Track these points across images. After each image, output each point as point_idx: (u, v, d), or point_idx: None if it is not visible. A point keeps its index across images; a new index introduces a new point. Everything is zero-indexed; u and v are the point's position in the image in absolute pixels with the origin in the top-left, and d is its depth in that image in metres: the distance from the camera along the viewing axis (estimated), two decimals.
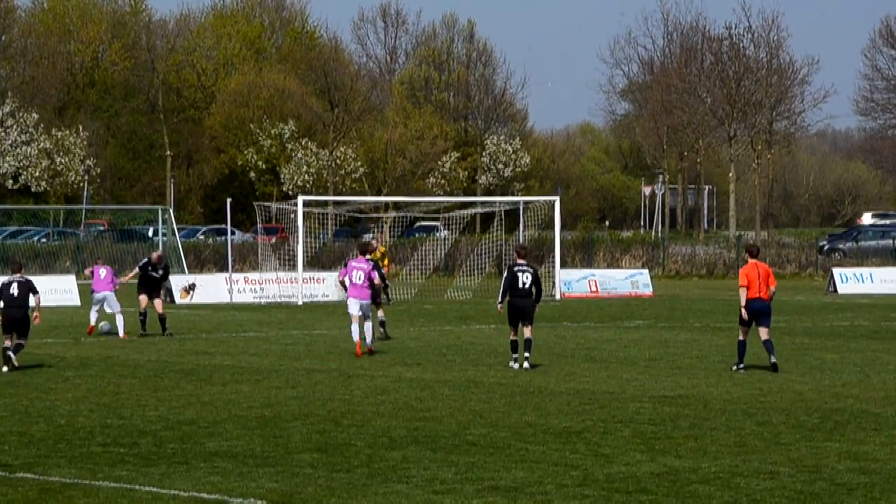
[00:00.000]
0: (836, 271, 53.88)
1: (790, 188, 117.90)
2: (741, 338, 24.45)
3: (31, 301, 24.95)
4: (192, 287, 44.84)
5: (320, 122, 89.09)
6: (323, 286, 46.16)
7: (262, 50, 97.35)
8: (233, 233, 60.07)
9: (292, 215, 46.41)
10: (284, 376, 22.88)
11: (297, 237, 45.08)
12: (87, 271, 33.92)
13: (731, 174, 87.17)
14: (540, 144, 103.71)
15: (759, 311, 24.23)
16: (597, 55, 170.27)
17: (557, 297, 46.86)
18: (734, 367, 24.42)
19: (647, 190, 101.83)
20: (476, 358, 26.09)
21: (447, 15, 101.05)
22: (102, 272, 31.75)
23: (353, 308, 27.09)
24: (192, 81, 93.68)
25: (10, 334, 24.58)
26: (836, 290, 52.06)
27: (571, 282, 48.70)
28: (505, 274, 24.85)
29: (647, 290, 49.95)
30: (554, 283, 47.55)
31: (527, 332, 24.51)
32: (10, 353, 24.15)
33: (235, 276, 45.03)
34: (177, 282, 45.00)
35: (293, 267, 45.38)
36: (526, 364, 24.36)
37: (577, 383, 22.03)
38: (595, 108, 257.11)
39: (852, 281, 52.89)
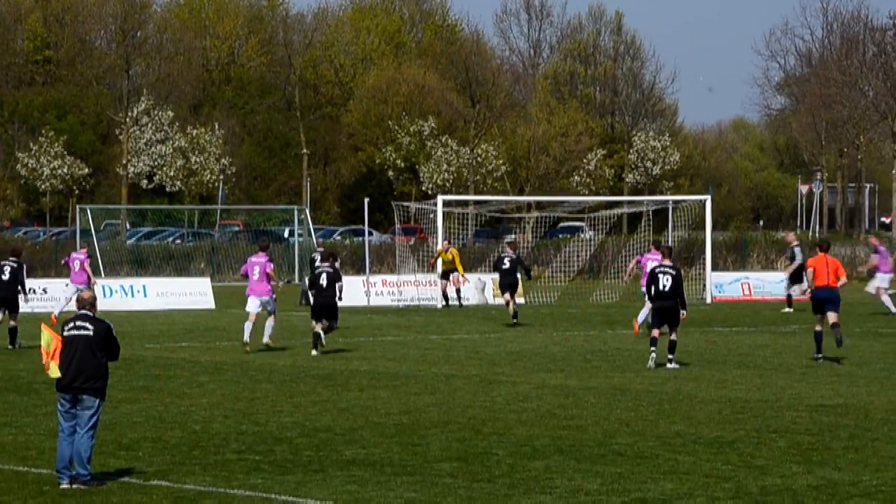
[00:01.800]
0: None
1: None
2: (817, 328, 26.25)
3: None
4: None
5: (461, 119, 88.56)
6: (463, 289, 44.98)
7: (401, 44, 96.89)
8: (370, 233, 59.66)
9: (431, 215, 45.92)
10: (423, 382, 22.92)
11: (437, 238, 43.85)
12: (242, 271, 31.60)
13: (894, 171, 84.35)
14: (690, 141, 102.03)
15: (827, 299, 26.19)
16: (751, 47, 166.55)
17: (708, 300, 45.47)
18: (815, 358, 25.96)
19: (804, 188, 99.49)
20: (622, 364, 25.81)
21: (594, 6, 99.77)
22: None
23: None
24: (330, 77, 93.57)
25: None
26: None
27: (723, 285, 46.76)
28: (647, 276, 25.58)
29: (805, 295, 47.49)
30: (705, 285, 46.41)
31: (672, 334, 25.08)
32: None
33: (373, 278, 44.56)
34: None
35: (432, 269, 44.09)
36: (672, 364, 24.88)
37: (729, 391, 21.69)
38: (749, 102, 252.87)
39: None
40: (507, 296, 36.22)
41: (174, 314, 39.46)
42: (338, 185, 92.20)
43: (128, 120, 79.75)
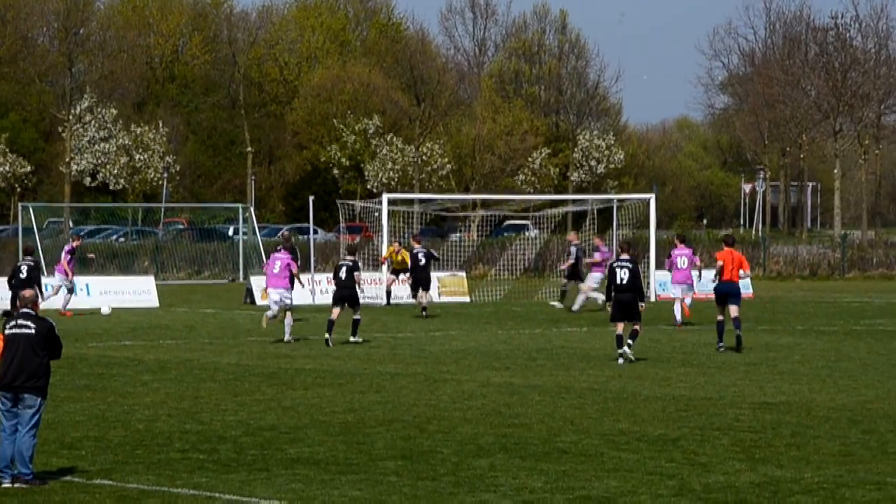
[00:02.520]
0: None
1: None
2: (719, 318, 27.62)
3: None
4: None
5: (406, 118, 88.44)
6: (407, 287, 44.90)
7: (346, 43, 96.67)
8: (315, 231, 59.40)
9: (376, 214, 45.84)
10: (368, 380, 22.84)
11: (382, 236, 43.74)
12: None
13: (836, 170, 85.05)
14: (634, 140, 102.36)
15: (729, 292, 27.60)
16: (695, 46, 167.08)
17: (653, 298, 45.28)
18: (717, 348, 27.45)
19: (747, 187, 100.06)
20: (567, 362, 25.80)
21: (538, 5, 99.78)
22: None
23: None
24: (275, 75, 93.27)
25: None
26: None
27: (667, 283, 46.54)
28: (607, 271, 25.92)
29: (747, 292, 47.91)
30: (649, 284, 46.31)
31: (620, 327, 25.49)
32: None
33: (318, 276, 43.99)
34: (258, 282, 44.35)
35: (377, 267, 43.95)
36: (628, 351, 25.33)
37: (673, 389, 21.76)
38: (693, 101, 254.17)
39: None
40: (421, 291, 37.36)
41: (118, 313, 39.22)
42: (282, 184, 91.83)
43: (71, 117, 79.20)
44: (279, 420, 18.28)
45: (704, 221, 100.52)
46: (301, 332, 32.45)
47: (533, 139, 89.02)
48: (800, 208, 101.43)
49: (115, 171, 79.93)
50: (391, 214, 46.07)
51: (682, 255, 35.37)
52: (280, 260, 30.39)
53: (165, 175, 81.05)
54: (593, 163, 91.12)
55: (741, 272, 27.91)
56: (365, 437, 16.89)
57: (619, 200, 50.81)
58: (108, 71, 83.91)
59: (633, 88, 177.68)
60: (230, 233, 67.43)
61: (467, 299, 45.09)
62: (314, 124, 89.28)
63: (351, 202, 52.20)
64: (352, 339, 29.66)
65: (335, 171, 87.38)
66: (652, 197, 48.55)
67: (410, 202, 58.14)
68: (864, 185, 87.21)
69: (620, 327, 25.45)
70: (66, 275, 38.41)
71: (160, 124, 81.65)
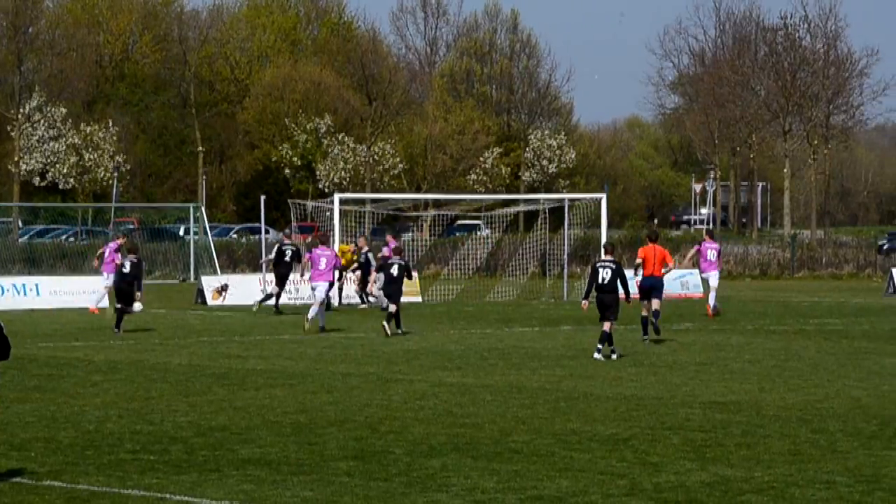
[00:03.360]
0: None
1: (848, 185, 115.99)
2: (643, 313, 29.02)
3: None
4: (224, 288, 44.17)
5: (358, 117, 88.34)
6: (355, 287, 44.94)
7: (297, 42, 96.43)
8: (267, 231, 59.22)
9: (328, 213, 45.44)
10: (320, 381, 22.73)
11: (334, 236, 43.68)
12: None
13: (785, 170, 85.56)
14: (586, 139, 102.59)
15: (652, 286, 29.19)
16: (645, 46, 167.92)
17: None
18: (642, 339, 28.88)
19: (697, 187, 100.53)
20: (519, 362, 25.77)
21: (489, 5, 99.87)
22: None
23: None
24: (226, 74, 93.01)
25: None
26: (895, 292, 50.17)
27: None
28: (589, 270, 26.82)
29: (698, 292, 48.58)
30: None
31: (606, 325, 25.97)
32: None
33: (270, 276, 43.74)
34: (209, 282, 44.36)
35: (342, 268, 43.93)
36: (613, 356, 25.86)
37: (625, 388, 21.79)
38: (643, 101, 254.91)
39: None
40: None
41: (68, 313, 38.98)
42: (234, 183, 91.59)
43: (20, 116, 78.66)
44: (230, 421, 18.21)
45: (655, 221, 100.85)
46: (256, 332, 32.35)
47: (484, 139, 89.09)
48: (750, 208, 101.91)
49: (65, 171, 79.39)
50: (343, 214, 46.00)
51: (711, 248, 39.12)
52: (326, 257, 33.25)
53: (115, 174, 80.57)
54: (545, 162, 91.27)
55: (665, 266, 29.55)
56: (317, 437, 16.84)
57: (571, 200, 50.89)
58: (57, 70, 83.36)
59: (585, 88, 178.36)
60: (181, 233, 67.17)
61: (419, 299, 45.07)
62: (265, 123, 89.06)
63: (302, 202, 52.04)
64: (398, 330, 31.78)
65: (286, 171, 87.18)
66: (603, 196, 48.69)
67: (362, 202, 58.05)
68: (814, 185, 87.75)
69: (608, 326, 25.93)
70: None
71: (110, 123, 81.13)
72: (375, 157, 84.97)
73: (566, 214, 48.48)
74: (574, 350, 27.95)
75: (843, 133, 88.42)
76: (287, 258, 38.87)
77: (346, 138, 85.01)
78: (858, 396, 20.60)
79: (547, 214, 51.55)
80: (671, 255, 31.74)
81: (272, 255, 39.56)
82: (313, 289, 33.65)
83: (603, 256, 26.66)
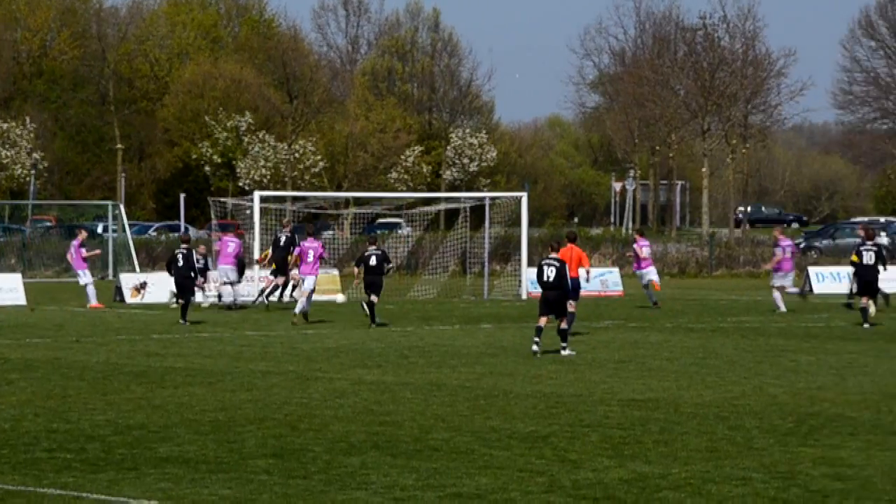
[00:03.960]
0: (812, 270, 52.56)
1: (766, 184, 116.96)
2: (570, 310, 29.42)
3: None
4: (143, 286, 43.94)
5: (278, 115, 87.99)
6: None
7: (217, 39, 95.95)
8: (186, 229, 58.71)
9: (248, 211, 45.17)
10: (239, 379, 22.62)
11: (254, 234, 43.48)
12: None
13: (704, 169, 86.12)
14: (507, 138, 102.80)
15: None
16: (566, 46, 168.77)
17: (524, 296, 45.58)
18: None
19: (617, 185, 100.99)
20: (439, 360, 25.75)
21: (411, 3, 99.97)
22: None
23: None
24: (145, 72, 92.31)
25: None
26: (811, 290, 50.42)
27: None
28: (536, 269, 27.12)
29: (618, 290, 49.00)
30: (521, 282, 46.60)
31: (562, 323, 26.28)
32: None
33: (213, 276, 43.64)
34: (127, 280, 43.97)
35: (249, 265, 43.68)
36: (567, 351, 26.21)
37: (544, 386, 21.78)
38: (564, 100, 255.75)
39: (829, 280, 51.49)
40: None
41: None
42: (153, 181, 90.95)
43: None
44: (148, 419, 18.11)
45: (576, 219, 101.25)
46: (175, 330, 32.14)
47: (405, 137, 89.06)
48: (669, 207, 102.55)
49: None
50: (263, 212, 45.82)
51: (644, 246, 40.62)
52: (313, 249, 34.60)
53: (33, 172, 79.84)
54: (466, 161, 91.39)
55: (582, 269, 29.83)
56: (236, 435, 16.77)
57: (492, 198, 51.00)
58: None
59: (506, 87, 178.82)
60: (99, 230, 66.68)
61: (341, 297, 44.98)
62: (185, 121, 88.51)
63: (222, 200, 51.65)
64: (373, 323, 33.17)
65: (206, 169, 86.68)
66: (524, 195, 48.81)
67: (283, 200, 57.86)
68: (732, 184, 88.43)
69: (543, 320, 26.11)
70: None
71: (27, 120, 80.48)
72: (296, 155, 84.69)
73: (487, 213, 48.57)
74: (494, 348, 28.01)
75: (760, 133, 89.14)
76: (281, 243, 40.09)
77: (267, 136, 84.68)
78: (774, 393, 20.75)
79: (468, 213, 51.61)
80: (588, 256, 32.09)
81: (269, 250, 40.68)
82: (302, 281, 35.17)
83: (550, 254, 26.58)
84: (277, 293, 40.49)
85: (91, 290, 40.34)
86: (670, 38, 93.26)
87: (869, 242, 34.19)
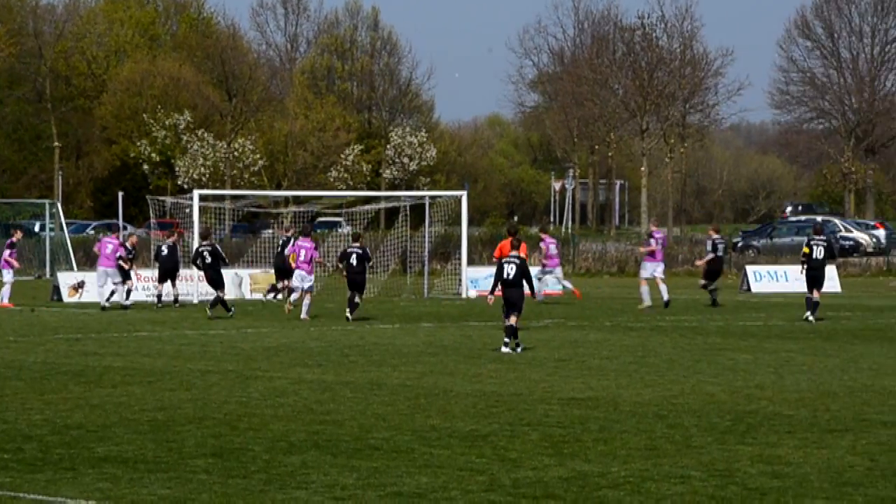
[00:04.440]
0: (750, 269, 53.03)
1: (703, 183, 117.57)
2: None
3: None
4: (80, 285, 43.70)
5: (217, 113, 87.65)
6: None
7: (156, 37, 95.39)
8: (125, 228, 58.42)
9: (187, 210, 44.86)
10: (178, 378, 22.47)
11: (193, 233, 43.37)
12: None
13: (643, 168, 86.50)
14: (447, 137, 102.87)
15: None
16: (506, 45, 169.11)
17: (464, 295, 45.48)
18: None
19: (556, 184, 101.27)
20: (379, 359, 25.66)
21: (350, 2, 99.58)
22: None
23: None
24: (82, 69, 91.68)
25: None
26: (749, 289, 51.18)
27: (479, 279, 47.18)
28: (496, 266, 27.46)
29: (557, 288, 48.77)
30: (460, 280, 46.53)
31: (512, 319, 26.52)
32: None
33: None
34: (65, 279, 43.81)
35: (188, 263, 43.50)
36: (518, 349, 26.53)
37: (484, 385, 21.69)
38: (504, 99, 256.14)
39: (766, 279, 51.99)
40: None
41: None
42: (91, 179, 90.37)
43: None
44: (86, 418, 17.96)
45: (515, 218, 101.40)
46: (113, 329, 31.96)
47: (345, 136, 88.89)
48: (608, 206, 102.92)
49: None
50: (202, 211, 45.63)
51: (551, 244, 41.67)
52: (305, 248, 35.42)
53: None
54: (406, 160, 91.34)
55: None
56: (175, 435, 16.67)
57: (432, 197, 51.04)
58: None
59: (445, 86, 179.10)
60: (36, 229, 66.21)
61: (280, 296, 44.89)
62: (123, 119, 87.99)
63: (161, 198, 51.50)
64: (350, 317, 34.35)
65: (145, 167, 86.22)
66: (464, 194, 48.87)
67: (222, 198, 57.69)
68: (670, 183, 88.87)
69: (513, 319, 26.56)
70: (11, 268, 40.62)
71: None
72: (235, 153, 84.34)
73: (427, 212, 48.59)
74: (434, 347, 28.01)
75: (698, 132, 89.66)
76: (279, 249, 41.23)
77: (206, 134, 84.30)
78: (713, 392, 20.83)
79: (408, 212, 51.64)
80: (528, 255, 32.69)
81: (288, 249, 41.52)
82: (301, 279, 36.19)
83: (510, 252, 27.04)
84: (271, 295, 41.16)
85: (7, 290, 40.20)
86: (609, 37, 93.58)
87: (819, 237, 35.76)
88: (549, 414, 18.45)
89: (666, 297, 39.62)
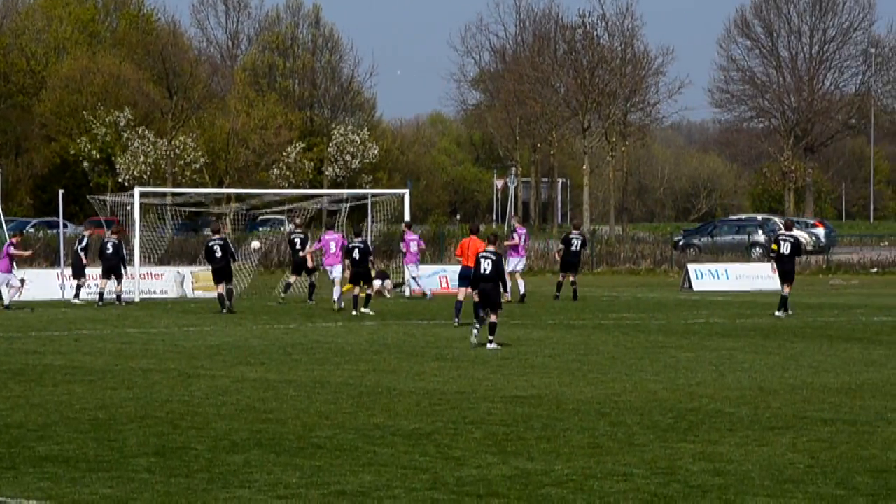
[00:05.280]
0: (692, 267, 53.31)
1: (645, 181, 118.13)
2: (460, 297, 33.15)
3: None
4: (21, 283, 43.06)
5: (158, 110, 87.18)
6: (161, 282, 45.37)
7: (95, 33, 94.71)
8: (65, 226, 58.06)
9: (129, 208, 44.55)
10: (120, 377, 22.38)
11: (134, 231, 43.09)
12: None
13: (584, 167, 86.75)
14: (389, 135, 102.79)
15: (466, 276, 32.04)
16: (447, 43, 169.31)
17: (407, 293, 45.57)
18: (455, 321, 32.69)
19: (499, 183, 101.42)
20: (322, 357, 25.64)
21: None
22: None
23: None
24: (21, 66, 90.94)
25: None
26: (691, 287, 51.46)
27: (421, 278, 46.91)
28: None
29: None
30: (403, 279, 46.47)
31: (492, 317, 26.90)
32: None
33: (67, 271, 43.08)
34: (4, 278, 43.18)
35: (129, 262, 43.37)
36: (493, 345, 26.80)
37: (427, 383, 21.75)
38: (446, 97, 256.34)
39: (707, 277, 52.26)
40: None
41: None
42: (30, 176, 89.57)
43: None
44: (27, 417, 17.87)
45: (458, 216, 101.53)
46: (53, 328, 31.76)
47: (287, 133, 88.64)
48: (550, 204, 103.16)
49: None
50: (144, 209, 45.38)
51: (521, 234, 43.62)
52: (335, 241, 38.27)
53: None
54: (348, 157, 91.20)
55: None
56: (116, 434, 16.60)
57: (374, 195, 50.99)
58: None
59: (387, 84, 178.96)
60: None
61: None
62: (63, 116, 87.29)
63: (102, 196, 51.16)
64: (364, 310, 36.18)
65: (85, 164, 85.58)
66: (406, 192, 48.83)
67: (163, 196, 57.32)
68: (612, 182, 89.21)
69: (493, 317, 27.08)
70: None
71: None
72: (177, 150, 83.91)
73: (369, 210, 48.54)
74: (377, 345, 27.99)
75: (640, 130, 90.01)
76: (297, 246, 41.53)
77: (147, 132, 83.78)
78: (655, 390, 20.93)
79: (350, 210, 51.55)
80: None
81: (312, 246, 41.82)
82: (330, 271, 38.53)
83: (487, 247, 27.36)
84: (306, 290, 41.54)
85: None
86: (550, 35, 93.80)
87: (787, 233, 37.02)
88: (493, 412, 18.47)
89: (522, 290, 41.70)
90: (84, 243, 41.99)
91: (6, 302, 39.00)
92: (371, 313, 36.00)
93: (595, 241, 67.17)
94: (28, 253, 43.42)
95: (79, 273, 41.61)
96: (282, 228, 64.28)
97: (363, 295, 36.61)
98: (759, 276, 52.60)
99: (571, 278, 42.66)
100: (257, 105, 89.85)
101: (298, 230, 42.69)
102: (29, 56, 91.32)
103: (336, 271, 38.33)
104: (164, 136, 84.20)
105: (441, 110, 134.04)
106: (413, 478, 13.99)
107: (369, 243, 38.02)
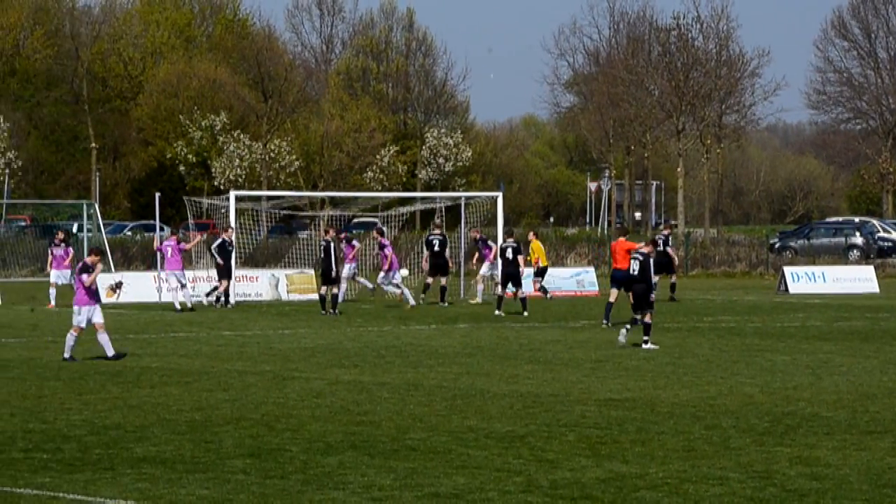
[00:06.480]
0: (788, 270, 52.83)
1: (740, 184, 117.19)
2: (611, 300, 34.30)
3: None
4: (118, 285, 43.52)
5: (253, 114, 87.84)
6: (256, 285, 44.96)
7: (191, 38, 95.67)
8: (161, 229, 58.68)
9: (224, 211, 44.82)
10: (216, 379, 22.66)
11: (231, 234, 43.47)
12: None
13: (679, 169, 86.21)
14: (482, 138, 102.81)
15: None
16: (541, 45, 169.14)
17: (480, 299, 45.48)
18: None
19: (592, 185, 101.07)
20: (416, 360, 25.76)
21: (385, 3, 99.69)
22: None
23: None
24: (119, 71, 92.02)
25: None
26: (787, 290, 50.98)
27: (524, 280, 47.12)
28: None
29: (593, 289, 49.10)
30: (496, 281, 46.35)
31: (646, 317, 27.62)
32: None
33: (164, 273, 43.36)
34: (103, 280, 43.67)
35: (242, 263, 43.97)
36: (648, 345, 27.40)
37: (521, 386, 21.83)
38: (539, 100, 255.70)
39: (804, 280, 51.73)
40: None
41: None
42: (128, 180, 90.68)
43: None
44: (125, 419, 18.06)
45: (551, 219, 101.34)
46: (151, 330, 32.08)
47: (381, 137, 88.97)
48: (644, 206, 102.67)
49: None
50: (239, 212, 45.72)
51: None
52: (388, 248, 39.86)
53: (7, 171, 79.53)
54: (441, 160, 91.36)
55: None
56: (212, 435, 16.74)
57: (467, 198, 51.00)
58: None
59: (480, 87, 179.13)
60: (74, 230, 66.49)
61: (316, 297, 44.97)
62: (160, 120, 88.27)
63: (198, 199, 51.55)
64: (441, 303, 39.79)
65: (181, 168, 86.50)
66: (499, 195, 48.79)
67: (258, 199, 57.74)
68: (707, 184, 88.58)
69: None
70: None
71: (1, 119, 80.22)
72: (271, 154, 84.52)
73: (462, 213, 48.59)
74: (471, 348, 28.01)
75: (735, 132, 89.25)
76: (436, 248, 42.04)
77: (242, 135, 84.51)
78: (751, 393, 20.80)
79: (443, 213, 51.60)
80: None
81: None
82: (393, 274, 40.02)
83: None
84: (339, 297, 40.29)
85: (53, 291, 40.75)
86: (644, 38, 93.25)
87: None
88: (587, 415, 18.45)
89: (480, 299, 42.11)
90: (220, 243, 41.37)
91: (176, 306, 39.41)
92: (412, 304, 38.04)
93: (690, 243, 66.74)
94: (196, 240, 44.44)
95: (224, 274, 41.13)
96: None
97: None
98: (857, 279, 52.06)
99: (672, 279, 43.72)
100: (351, 109, 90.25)
101: (437, 231, 42.62)
102: (126, 61, 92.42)
103: (402, 272, 40.75)
104: (258, 139, 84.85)
105: (534, 113, 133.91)
106: (507, 480, 13.98)
107: (463, 245, 39.02)
